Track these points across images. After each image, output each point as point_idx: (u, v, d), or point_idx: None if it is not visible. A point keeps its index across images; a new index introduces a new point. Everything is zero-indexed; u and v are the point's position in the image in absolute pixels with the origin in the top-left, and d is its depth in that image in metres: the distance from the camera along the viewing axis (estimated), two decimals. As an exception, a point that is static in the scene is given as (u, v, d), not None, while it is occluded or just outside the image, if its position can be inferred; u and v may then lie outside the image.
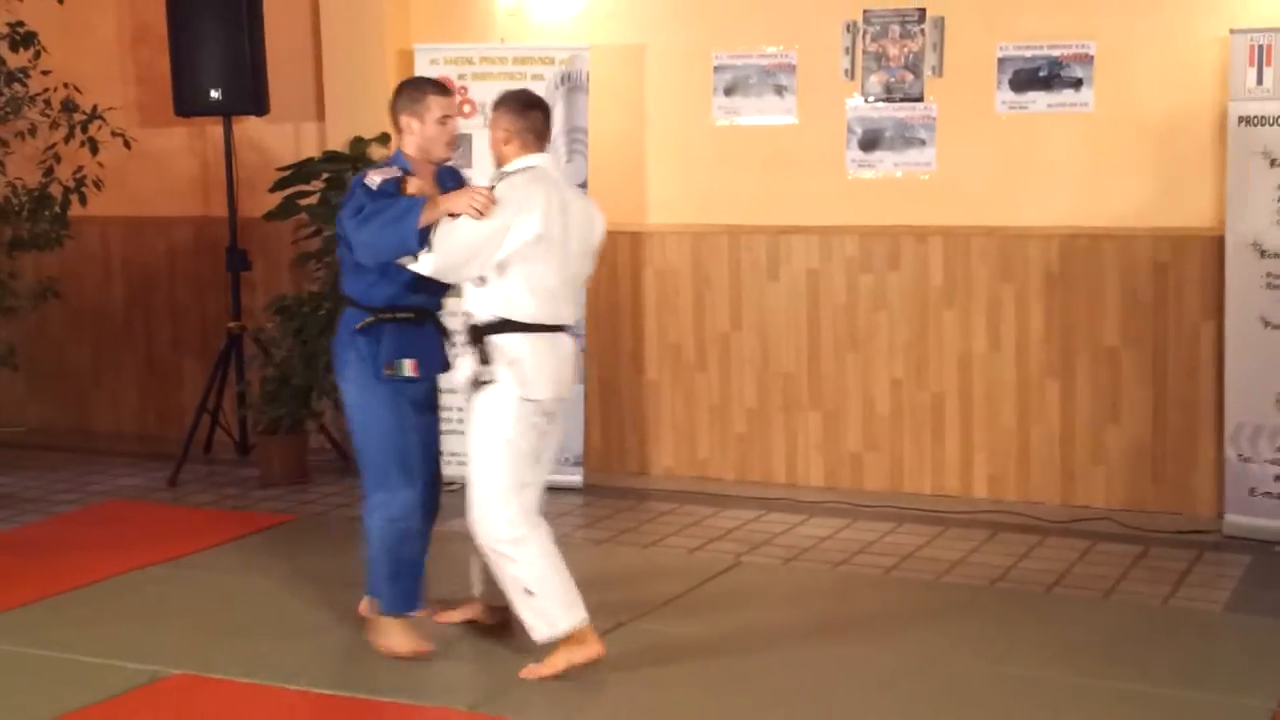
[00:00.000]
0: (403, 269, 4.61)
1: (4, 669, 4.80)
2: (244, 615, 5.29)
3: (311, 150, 7.71)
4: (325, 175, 7.39)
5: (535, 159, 4.70)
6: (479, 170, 7.04)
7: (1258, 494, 5.97)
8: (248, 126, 7.85)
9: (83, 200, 7.58)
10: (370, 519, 4.84)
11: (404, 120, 4.79)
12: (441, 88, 4.86)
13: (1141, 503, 6.43)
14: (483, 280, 4.57)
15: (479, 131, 7.06)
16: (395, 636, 4.81)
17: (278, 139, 7.92)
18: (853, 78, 6.89)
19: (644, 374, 7.31)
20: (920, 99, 6.77)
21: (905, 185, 6.83)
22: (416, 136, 4.78)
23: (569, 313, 4.71)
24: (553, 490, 6.89)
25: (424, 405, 4.89)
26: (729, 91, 7.10)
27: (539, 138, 4.72)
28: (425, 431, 4.88)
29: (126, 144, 7.57)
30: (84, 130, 7.49)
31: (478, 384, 4.60)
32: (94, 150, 7.49)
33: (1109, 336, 6.47)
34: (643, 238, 7.25)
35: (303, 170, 7.46)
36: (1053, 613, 5.21)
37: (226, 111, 7.49)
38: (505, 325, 4.58)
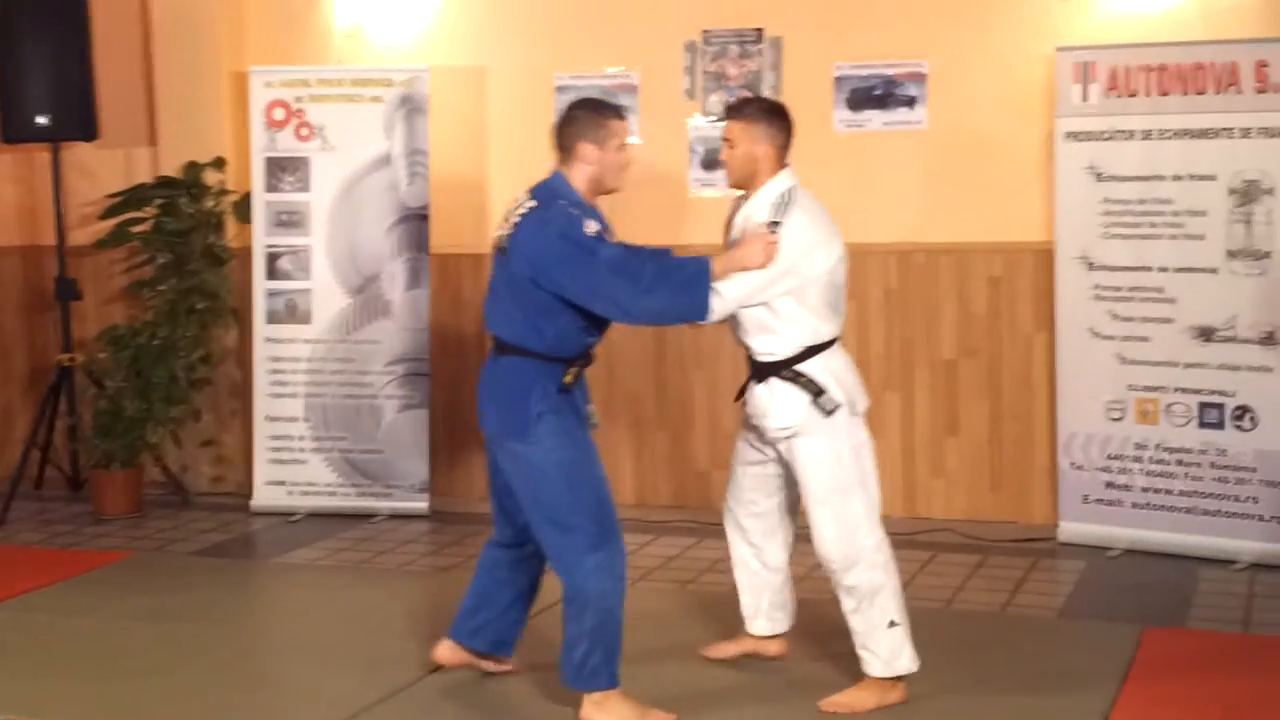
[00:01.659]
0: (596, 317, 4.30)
1: None
2: (78, 656, 5.11)
3: (144, 176, 7.52)
4: (159, 201, 7.24)
5: (785, 177, 4.46)
6: (316, 194, 6.95)
7: (1090, 501, 6.11)
8: (77, 152, 7.63)
9: (-97, 230, 7.34)
10: (593, 581, 4.23)
11: (582, 147, 4.32)
12: (620, 112, 4.42)
13: (980, 512, 6.54)
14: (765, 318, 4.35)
15: (317, 155, 6.97)
16: (632, 708, 4.34)
17: (108, 164, 7.70)
18: (693, 97, 6.93)
19: (490, 397, 7.24)
20: (759, 118, 6.82)
21: (746, 204, 6.87)
22: (595, 166, 4.31)
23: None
24: (398, 518, 6.87)
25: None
26: (569, 112, 7.08)
27: (789, 147, 4.48)
28: None
29: (-52, 172, 7.34)
30: (-97, 158, 7.25)
31: (820, 413, 4.33)
32: (-85, 179, 7.26)
33: (946, 350, 6.58)
34: (484, 260, 7.09)
35: (135, 196, 7.31)
36: (896, 624, 5.25)
37: (55, 138, 7.27)
38: (810, 352, 4.35)
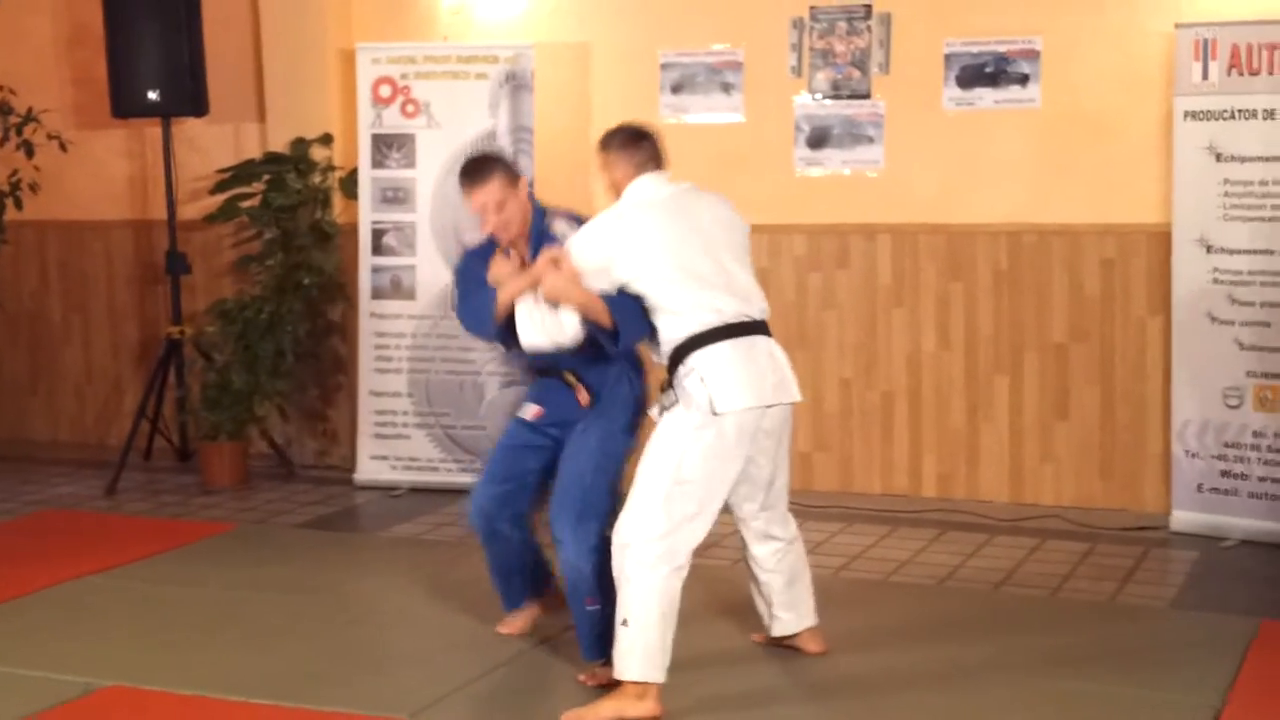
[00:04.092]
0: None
1: (-67, 683, 4.68)
2: (182, 626, 5.18)
3: (252, 151, 7.60)
4: (266, 177, 7.30)
5: (635, 184, 4.44)
6: (421, 170, 6.98)
7: (1204, 490, 5.96)
8: (187, 128, 7.73)
9: (18, 204, 7.48)
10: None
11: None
12: (470, 177, 4.61)
13: (1089, 499, 6.41)
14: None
15: (422, 132, 7.00)
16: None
17: (217, 140, 7.79)
18: (800, 75, 6.84)
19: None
20: (867, 96, 6.73)
21: (853, 183, 6.79)
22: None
23: (750, 305, 4.34)
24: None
25: None
26: (676, 89, 7.04)
27: (655, 160, 4.48)
28: None
29: (63, 146, 7.46)
30: (19, 133, 7.38)
31: (663, 408, 4.28)
32: (29, 153, 7.38)
33: (1057, 333, 6.45)
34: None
35: (243, 172, 7.38)
36: (1000, 611, 5.17)
37: (165, 113, 7.36)
38: (691, 345, 4.24)
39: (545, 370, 4.69)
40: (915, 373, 6.68)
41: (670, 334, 4.27)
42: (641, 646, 4.14)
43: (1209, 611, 5.10)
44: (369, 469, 7.10)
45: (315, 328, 7.38)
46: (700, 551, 4.29)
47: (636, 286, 4.28)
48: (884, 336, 6.73)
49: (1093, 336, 6.39)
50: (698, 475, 4.19)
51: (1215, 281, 5.91)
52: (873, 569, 5.71)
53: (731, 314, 4.27)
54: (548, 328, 4.34)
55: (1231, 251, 5.87)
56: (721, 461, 4.23)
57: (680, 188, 4.49)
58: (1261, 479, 5.83)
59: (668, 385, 4.29)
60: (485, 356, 6.95)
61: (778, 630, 4.69)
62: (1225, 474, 5.91)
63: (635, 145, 4.49)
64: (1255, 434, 5.84)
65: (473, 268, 4.62)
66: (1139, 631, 4.93)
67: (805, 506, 6.52)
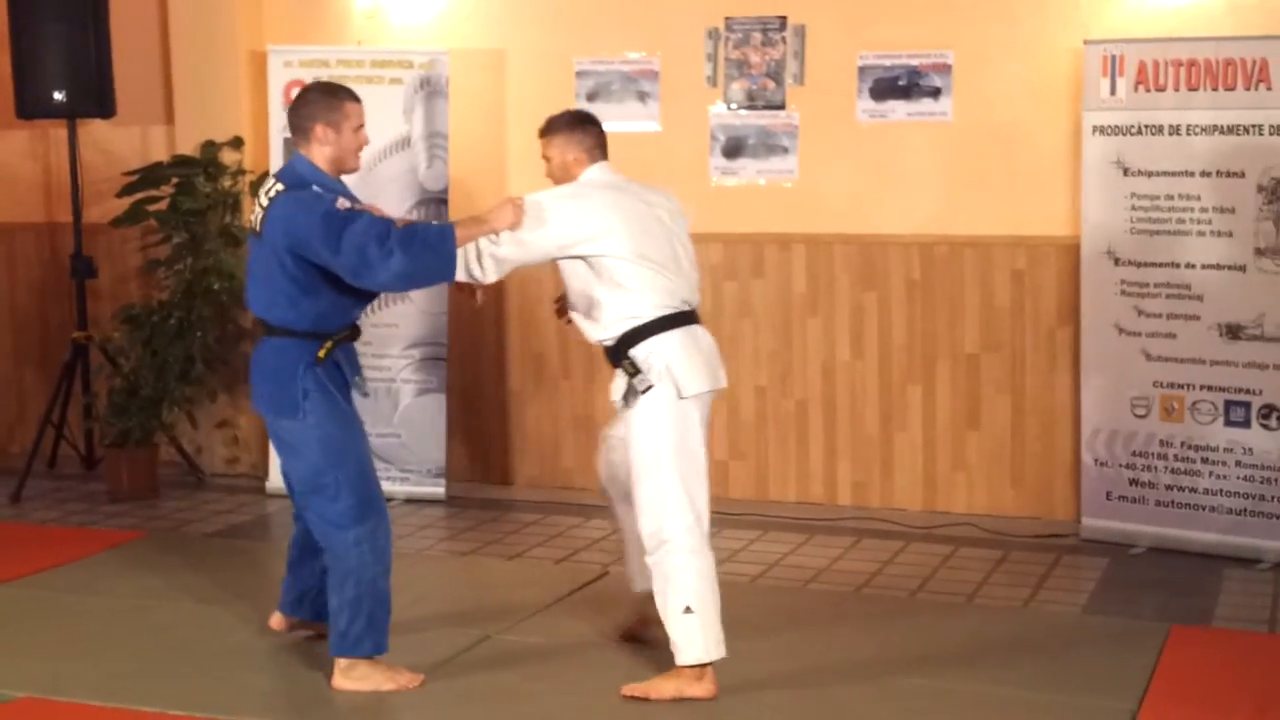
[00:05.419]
0: (358, 289, 4.44)
1: None
2: (93, 635, 5.09)
3: (160, 154, 7.47)
4: (175, 180, 7.19)
5: (594, 170, 4.59)
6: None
7: (1114, 498, 6.08)
8: (93, 129, 7.59)
9: (-82, 205, 7.29)
10: (351, 556, 4.47)
11: (319, 129, 4.47)
12: (354, 95, 4.58)
13: (1001, 507, 6.51)
14: (592, 301, 4.44)
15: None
16: (383, 673, 4.55)
17: (124, 142, 7.65)
18: (715, 85, 6.88)
19: (506, 383, 7.22)
20: (782, 107, 6.79)
21: (768, 193, 6.84)
22: (332, 147, 4.48)
23: (691, 294, 4.54)
24: (415, 503, 6.84)
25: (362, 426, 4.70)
26: (591, 97, 7.04)
27: (602, 148, 4.61)
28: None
29: (-37, 147, 7.29)
30: (-81, 133, 7.20)
31: (633, 395, 4.41)
32: (-70, 153, 7.21)
33: (968, 343, 6.54)
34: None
35: (151, 174, 7.25)
36: (917, 618, 5.23)
37: (71, 114, 7.23)
38: (638, 333, 4.41)
39: (354, 328, 4.65)
40: (830, 381, 6.74)
41: (624, 311, 4.41)
42: (705, 628, 4.35)
43: (1121, 617, 5.20)
44: (280, 477, 6.98)
45: (225, 333, 7.27)
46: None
47: (597, 260, 4.40)
48: (799, 345, 6.78)
49: (1004, 346, 6.49)
50: (694, 447, 4.42)
51: (1123, 293, 6.03)
52: (790, 576, 5.75)
53: (681, 302, 4.49)
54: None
55: (1139, 264, 5.99)
56: (700, 434, 4.45)
57: (631, 180, 4.63)
58: (1168, 487, 5.95)
59: (633, 370, 4.39)
60: (400, 364, 6.90)
61: (640, 585, 4.71)
62: (1133, 482, 6.03)
63: (584, 129, 4.61)
64: (1162, 443, 5.96)
65: (355, 212, 4.41)
66: (1053, 636, 5.01)
67: (722, 514, 6.54)
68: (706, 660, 4.38)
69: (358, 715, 4.40)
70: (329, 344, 4.49)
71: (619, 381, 4.48)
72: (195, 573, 5.78)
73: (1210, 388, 5.86)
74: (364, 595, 4.47)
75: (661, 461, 4.39)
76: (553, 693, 4.54)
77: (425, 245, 4.34)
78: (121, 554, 6.05)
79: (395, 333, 6.90)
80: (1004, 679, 4.59)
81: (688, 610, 4.34)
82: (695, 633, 4.35)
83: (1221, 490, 5.84)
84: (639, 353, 4.41)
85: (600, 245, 4.40)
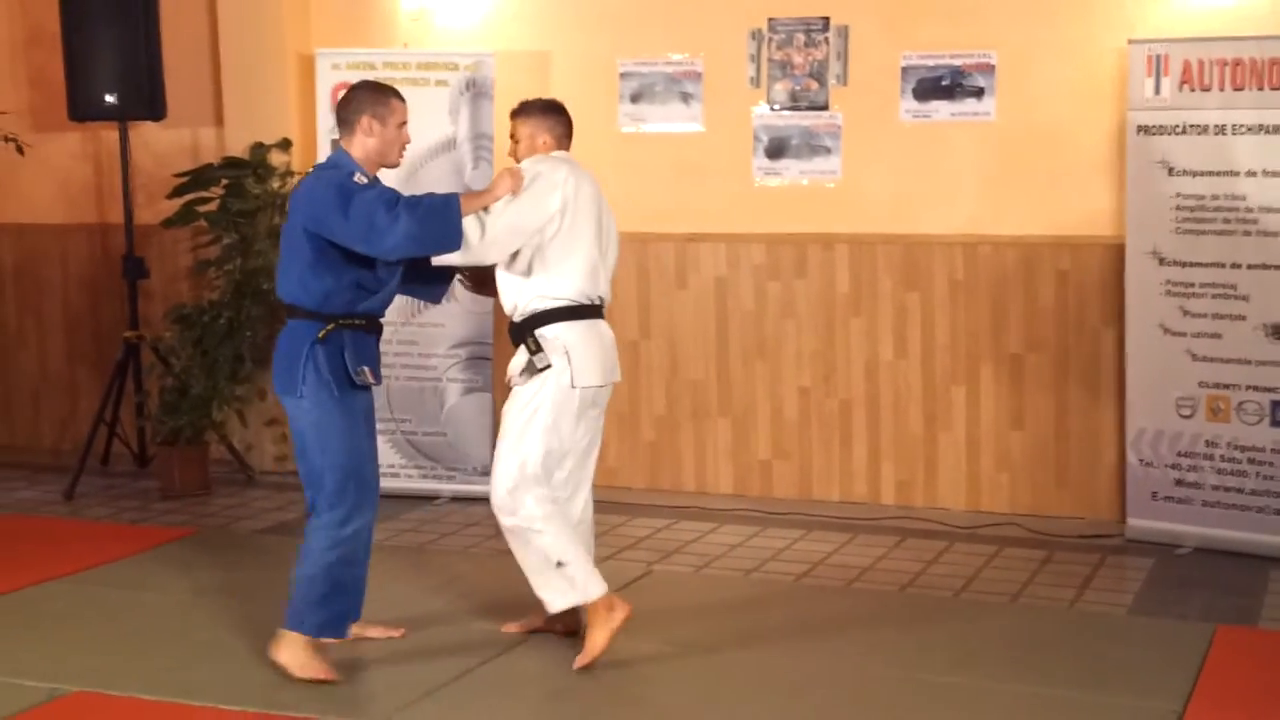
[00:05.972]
0: (362, 273, 4.56)
1: (-107, 691, 4.64)
2: (145, 631, 5.16)
3: (210, 156, 7.57)
4: (224, 181, 7.27)
5: (559, 155, 4.87)
6: (381, 176, 6.95)
7: (1159, 498, 6.06)
8: (144, 131, 7.69)
9: (-27, 207, 7.41)
10: (314, 538, 4.63)
11: (365, 121, 4.62)
12: (400, 94, 4.74)
13: (1046, 507, 6.50)
14: (520, 270, 4.67)
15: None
16: (306, 658, 4.66)
17: (175, 144, 7.76)
18: (758, 85, 6.90)
19: (551, 382, 7.26)
20: (825, 107, 6.80)
21: (811, 193, 6.85)
22: (376, 139, 4.63)
23: (606, 291, 4.81)
24: (460, 501, 6.89)
25: (371, 420, 4.77)
26: (635, 99, 7.08)
27: (569, 137, 4.92)
28: (373, 448, 4.77)
29: (19, 149, 7.39)
30: (-26, 136, 7.31)
31: (531, 371, 4.66)
32: (-16, 155, 7.32)
33: (1012, 343, 6.54)
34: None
35: (201, 176, 7.33)
36: (960, 617, 5.24)
37: (122, 116, 7.33)
38: (546, 316, 4.66)
39: (369, 319, 4.74)
40: (873, 381, 6.75)
41: (543, 290, 4.66)
42: (583, 571, 4.65)
43: (1166, 618, 5.20)
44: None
45: (274, 333, 7.32)
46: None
47: (551, 235, 4.63)
48: (842, 345, 6.79)
49: (1048, 346, 6.48)
50: (565, 433, 4.69)
51: (1168, 293, 6.01)
52: (834, 575, 5.76)
53: (595, 295, 4.76)
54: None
55: (1183, 264, 5.97)
56: (574, 423, 4.72)
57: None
58: (1215, 487, 5.94)
59: (535, 348, 4.65)
60: (446, 363, 6.96)
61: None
62: (1179, 483, 6.02)
63: (555, 116, 4.93)
64: (1208, 443, 5.94)
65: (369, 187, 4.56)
66: (1098, 637, 5.01)
67: (765, 514, 6.60)
68: (601, 594, 4.64)
69: (406, 709, 4.45)
70: (331, 325, 4.57)
71: (519, 358, 4.71)
72: (245, 569, 5.86)
73: (1256, 388, 5.84)
74: (317, 576, 4.62)
75: (528, 434, 4.64)
76: (595, 689, 4.58)
77: (431, 211, 4.48)
78: (172, 551, 6.13)
79: (441, 332, 6.96)
80: (1048, 679, 4.59)
81: (560, 564, 4.63)
82: (576, 577, 4.63)
83: (1268, 491, 5.82)
84: (545, 334, 4.66)
85: (563, 222, 4.65)
